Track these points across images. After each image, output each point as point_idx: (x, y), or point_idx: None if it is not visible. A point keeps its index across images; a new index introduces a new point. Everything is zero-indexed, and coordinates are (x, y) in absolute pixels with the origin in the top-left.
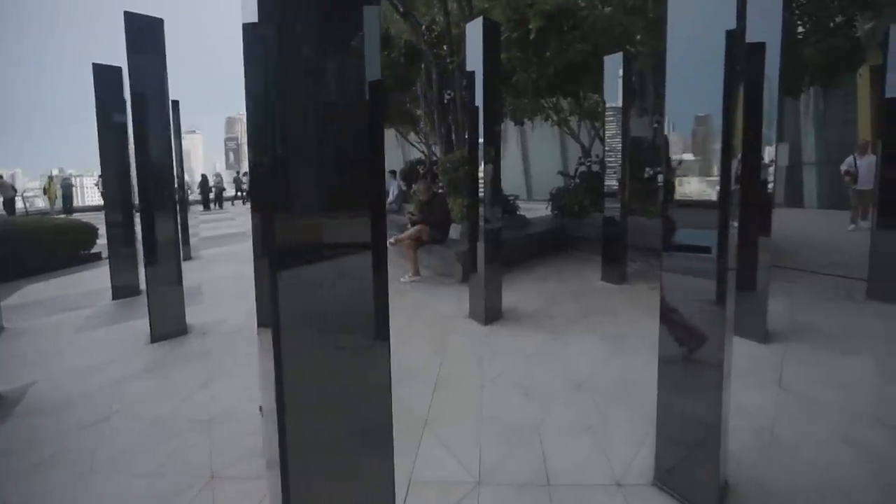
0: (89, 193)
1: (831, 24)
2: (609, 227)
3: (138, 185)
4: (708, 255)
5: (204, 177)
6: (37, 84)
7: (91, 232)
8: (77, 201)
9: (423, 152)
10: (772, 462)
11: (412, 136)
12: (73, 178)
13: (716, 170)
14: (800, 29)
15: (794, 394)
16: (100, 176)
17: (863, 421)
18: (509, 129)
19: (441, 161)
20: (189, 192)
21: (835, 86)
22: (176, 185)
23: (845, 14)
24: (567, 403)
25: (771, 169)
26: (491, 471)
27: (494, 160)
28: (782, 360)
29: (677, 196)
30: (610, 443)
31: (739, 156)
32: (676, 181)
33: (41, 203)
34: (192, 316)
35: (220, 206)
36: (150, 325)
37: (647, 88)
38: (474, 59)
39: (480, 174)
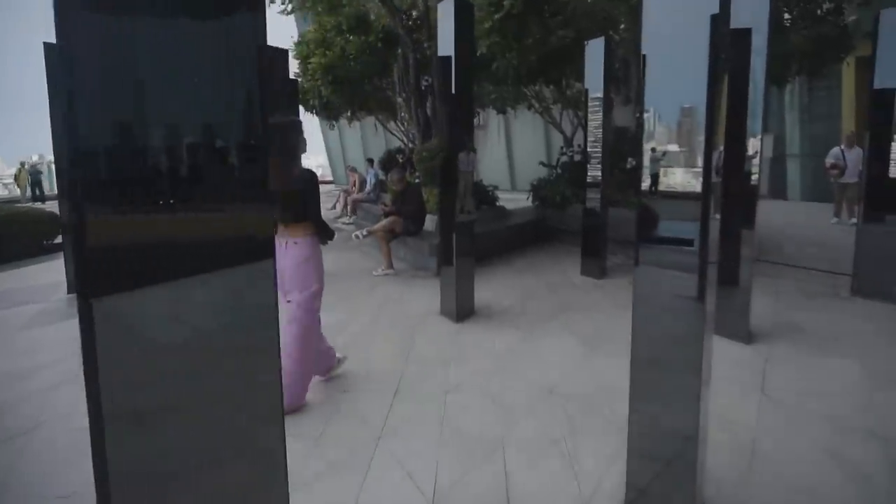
0: None
1: (819, 12)
2: (589, 218)
3: None
4: (687, 247)
5: None
6: (18, 67)
7: (53, 221)
8: (53, 189)
9: (402, 141)
10: (754, 483)
11: (394, 125)
12: (45, 166)
13: (698, 160)
14: (786, 16)
15: (779, 402)
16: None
17: (852, 433)
18: (491, 118)
19: (417, 149)
20: None
21: (821, 75)
22: None
23: (834, 1)
24: (536, 412)
25: (755, 160)
26: (447, 491)
27: (468, 148)
28: (766, 364)
29: (655, 186)
30: (579, 458)
31: (722, 146)
32: (661, 171)
33: (11, 191)
34: None
35: None
36: None
37: (630, 76)
38: (447, 42)
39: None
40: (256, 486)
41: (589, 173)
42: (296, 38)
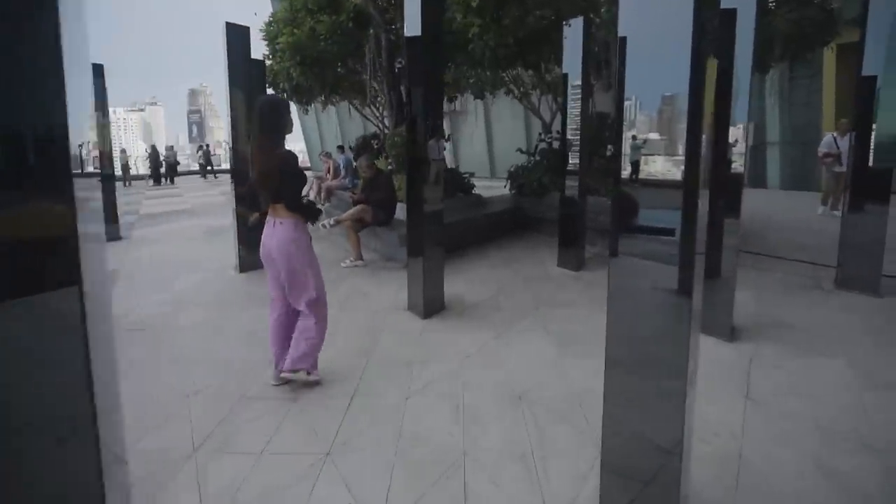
0: None
1: None
2: (566, 207)
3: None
4: (669, 237)
5: (153, 149)
6: None
7: None
8: None
9: (377, 126)
10: (742, 503)
11: (369, 110)
12: None
13: (679, 148)
14: None
15: (765, 406)
16: None
17: (844, 444)
18: (471, 104)
19: (389, 135)
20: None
21: (805, 60)
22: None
23: None
24: (503, 421)
25: (739, 148)
26: None
27: (437, 134)
28: (750, 364)
29: (636, 175)
30: (548, 476)
31: (706, 132)
32: (641, 159)
33: None
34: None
35: (172, 181)
36: None
37: (611, 59)
38: (415, 22)
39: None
40: None
41: (569, 161)
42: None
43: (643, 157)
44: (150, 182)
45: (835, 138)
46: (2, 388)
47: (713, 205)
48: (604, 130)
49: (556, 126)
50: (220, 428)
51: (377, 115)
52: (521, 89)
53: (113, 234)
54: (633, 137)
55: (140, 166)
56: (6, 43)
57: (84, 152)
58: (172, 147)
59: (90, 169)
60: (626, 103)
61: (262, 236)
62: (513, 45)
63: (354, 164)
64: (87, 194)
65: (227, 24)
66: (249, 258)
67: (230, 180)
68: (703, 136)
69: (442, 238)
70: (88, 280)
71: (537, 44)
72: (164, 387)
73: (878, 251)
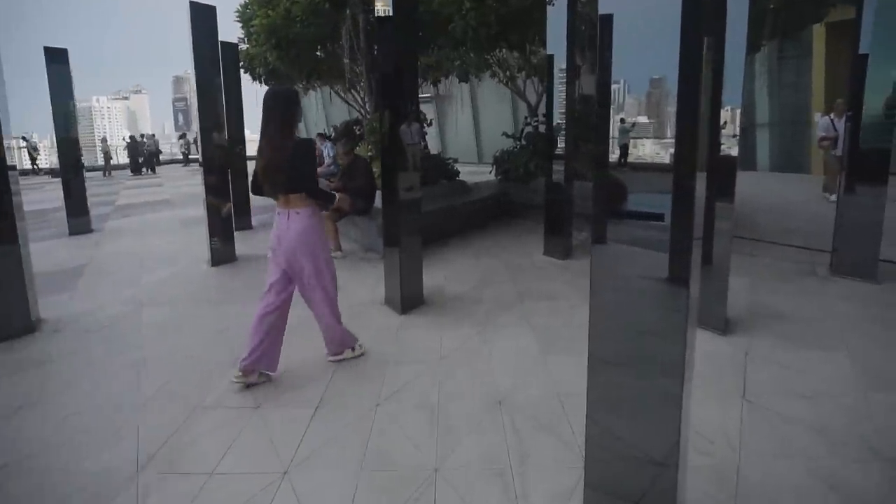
0: None
1: None
2: (553, 193)
3: None
4: (659, 222)
5: (132, 138)
6: None
7: None
8: None
9: (359, 111)
10: None
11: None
12: None
13: (668, 131)
14: None
15: (763, 409)
16: None
17: (849, 450)
18: (455, 87)
19: (368, 119)
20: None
21: (795, 39)
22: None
23: None
24: (480, 430)
25: (731, 130)
26: None
27: (412, 119)
28: (746, 359)
29: (624, 158)
30: (527, 495)
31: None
32: (630, 143)
33: None
34: (52, 307)
35: (153, 171)
36: None
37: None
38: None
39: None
40: None
41: (557, 145)
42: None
43: (631, 141)
44: (130, 172)
45: (832, 120)
46: None
47: (706, 189)
48: (590, 113)
49: (543, 109)
50: (171, 443)
51: (359, 99)
52: (507, 72)
53: (83, 226)
54: (622, 120)
55: (121, 156)
56: None
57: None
58: (154, 135)
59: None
60: (615, 86)
61: (274, 229)
62: (495, 25)
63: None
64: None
65: (192, 3)
66: (223, 251)
67: (201, 170)
68: (695, 119)
69: (420, 227)
70: None
71: (520, 23)
72: (117, 394)
73: (875, 235)
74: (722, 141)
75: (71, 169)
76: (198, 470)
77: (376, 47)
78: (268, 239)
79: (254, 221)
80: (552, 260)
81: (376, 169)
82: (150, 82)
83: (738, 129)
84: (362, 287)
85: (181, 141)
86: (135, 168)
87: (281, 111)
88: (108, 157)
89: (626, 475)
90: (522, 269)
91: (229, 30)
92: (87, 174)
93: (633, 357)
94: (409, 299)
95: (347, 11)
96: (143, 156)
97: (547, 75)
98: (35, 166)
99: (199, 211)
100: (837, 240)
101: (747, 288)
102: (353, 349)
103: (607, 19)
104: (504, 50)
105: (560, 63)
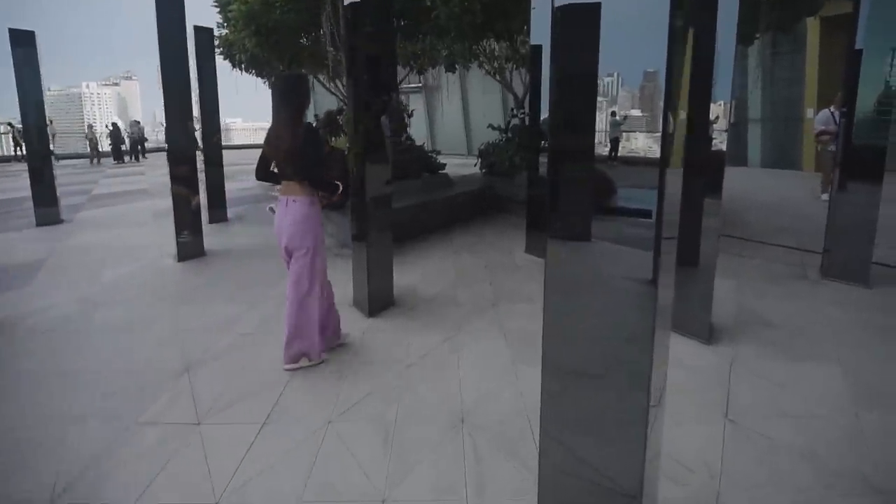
0: None
1: None
2: (536, 188)
3: None
4: (640, 218)
5: (115, 125)
6: None
7: None
8: None
9: (342, 101)
10: None
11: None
12: None
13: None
14: None
15: (748, 433)
16: None
17: (846, 482)
18: (443, 77)
19: (347, 109)
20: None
21: (789, 32)
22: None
23: None
24: (437, 453)
25: (720, 125)
26: None
27: (388, 109)
28: (730, 372)
29: (615, 152)
30: None
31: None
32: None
33: None
34: (4, 305)
35: (137, 159)
36: None
37: None
38: None
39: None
40: None
41: (545, 137)
42: None
43: (623, 135)
44: (112, 160)
45: (833, 114)
46: None
47: (690, 185)
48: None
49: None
50: (94, 467)
51: (342, 89)
52: (495, 63)
53: (51, 217)
54: (613, 114)
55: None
56: None
57: None
58: (139, 122)
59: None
60: (608, 79)
61: (276, 216)
62: (480, 13)
63: None
64: None
65: None
66: (190, 245)
67: (167, 160)
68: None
69: (390, 223)
70: None
71: (506, 12)
72: (46, 407)
73: (868, 236)
74: (714, 136)
75: (38, 157)
76: (118, 501)
77: (344, 35)
78: (245, 232)
79: (230, 213)
80: (533, 258)
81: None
82: (141, 68)
83: (728, 124)
84: (333, 286)
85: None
86: (117, 156)
87: (289, 97)
88: (93, 144)
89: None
90: (502, 268)
91: (207, 14)
92: (73, 162)
93: (593, 367)
94: (377, 301)
95: None
96: (129, 143)
97: (532, 66)
98: (18, 152)
99: None
100: (829, 240)
101: (734, 291)
102: (309, 359)
103: (595, 8)
104: (491, 40)
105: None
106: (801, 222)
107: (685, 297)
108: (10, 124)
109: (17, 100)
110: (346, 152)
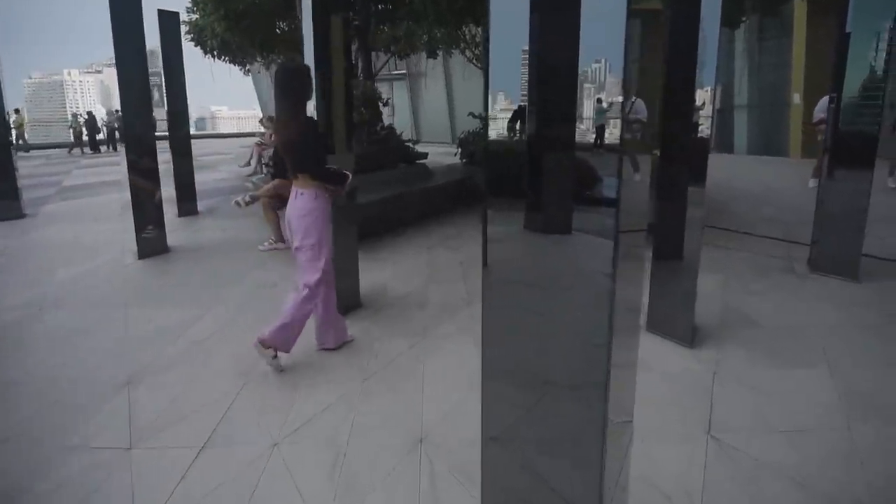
0: None
1: None
2: None
3: None
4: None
5: (90, 114)
6: None
7: None
8: None
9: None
10: None
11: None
12: None
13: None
14: None
15: (731, 452)
16: None
17: None
18: (428, 64)
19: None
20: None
21: (776, 15)
22: None
23: None
24: (390, 482)
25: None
26: None
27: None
28: (714, 380)
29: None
30: None
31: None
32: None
33: None
34: None
35: (115, 148)
36: None
37: None
38: None
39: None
40: None
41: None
42: None
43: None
44: (88, 150)
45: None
46: None
47: (672, 173)
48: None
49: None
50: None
51: None
52: (476, 49)
53: (12, 211)
54: (598, 100)
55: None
56: None
57: None
58: (117, 111)
59: None
60: (596, 65)
61: (287, 208)
62: None
63: None
64: None
65: None
66: (152, 242)
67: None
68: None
69: (355, 219)
70: None
71: None
72: None
73: (858, 227)
74: (700, 122)
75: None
76: None
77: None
78: (215, 226)
79: (201, 206)
80: None
81: None
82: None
83: (713, 110)
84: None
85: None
86: (94, 146)
87: (289, 89)
88: (77, 133)
89: None
90: (479, 264)
91: None
92: (48, 152)
93: (542, 376)
94: (340, 303)
95: None
96: (106, 132)
97: None
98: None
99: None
100: (817, 231)
101: (719, 287)
102: (274, 355)
103: None
104: (472, 25)
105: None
106: (790, 212)
107: (666, 295)
108: None
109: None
110: None
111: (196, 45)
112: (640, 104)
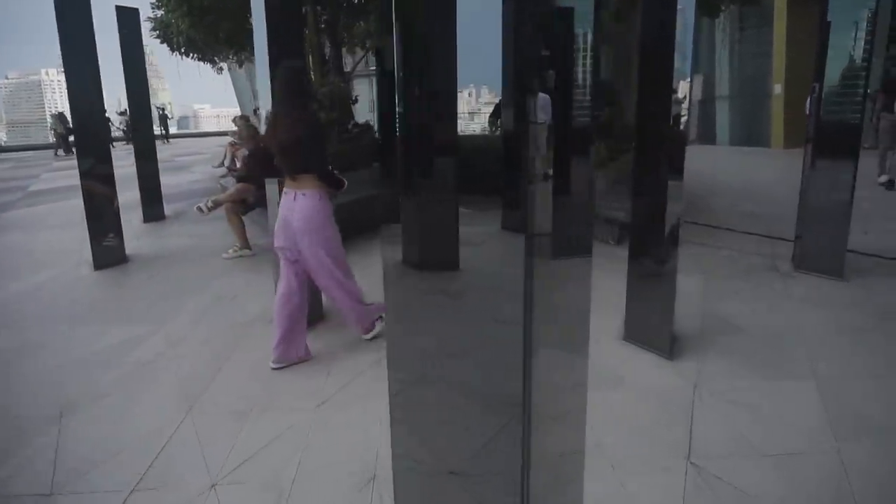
0: None
1: None
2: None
3: None
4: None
5: (61, 114)
6: None
7: None
8: None
9: None
10: None
11: None
12: None
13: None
14: None
15: (713, 479)
16: None
17: None
18: None
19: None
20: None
21: (756, 4)
22: None
23: None
24: None
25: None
26: None
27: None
28: (694, 395)
29: None
30: None
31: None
32: None
33: None
34: None
35: None
36: None
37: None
38: None
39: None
40: None
41: None
42: None
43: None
44: (62, 152)
45: None
46: None
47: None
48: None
49: None
50: None
51: None
52: None
53: None
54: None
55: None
56: None
57: None
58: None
59: None
60: None
61: (280, 209)
62: None
63: None
64: None
65: None
66: (109, 251)
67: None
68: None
69: None
70: None
71: None
72: None
73: (843, 221)
74: (682, 113)
75: None
76: None
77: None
78: (181, 232)
79: (169, 210)
80: None
81: None
82: (102, 53)
83: (689, 100)
84: (257, 297)
85: (121, 117)
86: (67, 148)
87: (291, 87)
88: (58, 134)
89: None
90: None
91: None
92: (21, 154)
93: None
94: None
95: None
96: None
97: None
98: None
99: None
100: (801, 226)
101: (700, 288)
102: (382, 318)
103: None
104: None
105: None
106: (772, 206)
107: (643, 300)
108: None
109: None
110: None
111: (162, 42)
112: (543, 100)
